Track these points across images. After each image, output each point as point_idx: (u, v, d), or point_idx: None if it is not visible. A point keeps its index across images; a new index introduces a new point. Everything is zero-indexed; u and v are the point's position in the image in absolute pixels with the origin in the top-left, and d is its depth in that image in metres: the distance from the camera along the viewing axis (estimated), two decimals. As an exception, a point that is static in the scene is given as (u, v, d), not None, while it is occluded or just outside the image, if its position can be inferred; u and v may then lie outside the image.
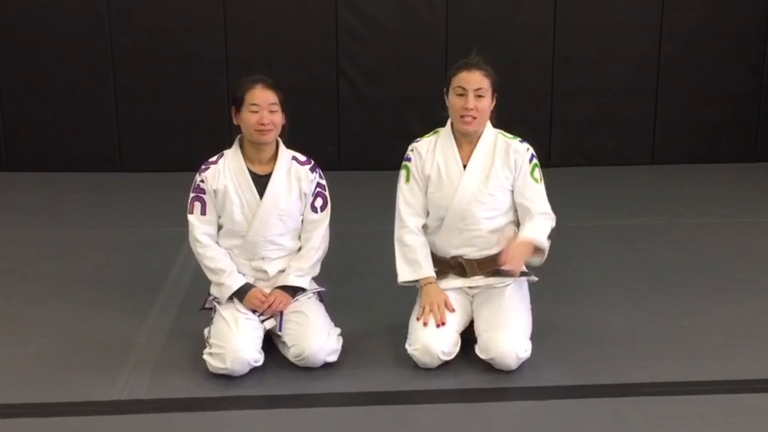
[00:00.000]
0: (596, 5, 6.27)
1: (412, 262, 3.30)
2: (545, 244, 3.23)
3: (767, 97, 6.49)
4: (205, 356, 3.15)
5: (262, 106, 3.16)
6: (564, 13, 6.24)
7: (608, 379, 3.15)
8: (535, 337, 3.24)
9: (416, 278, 3.30)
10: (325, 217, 3.35)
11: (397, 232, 3.35)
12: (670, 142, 6.55)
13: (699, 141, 6.57)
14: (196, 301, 3.54)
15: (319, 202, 3.32)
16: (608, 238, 4.83)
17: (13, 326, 3.62)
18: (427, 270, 3.30)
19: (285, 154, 3.29)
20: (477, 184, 3.25)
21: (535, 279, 3.33)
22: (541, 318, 3.37)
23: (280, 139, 3.29)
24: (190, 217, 3.28)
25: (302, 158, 3.33)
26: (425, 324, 3.17)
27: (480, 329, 3.20)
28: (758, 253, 4.56)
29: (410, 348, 3.19)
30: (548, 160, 5.99)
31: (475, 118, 3.19)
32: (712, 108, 6.50)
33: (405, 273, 3.32)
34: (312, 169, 3.31)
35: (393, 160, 5.81)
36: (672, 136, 6.54)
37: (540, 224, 3.23)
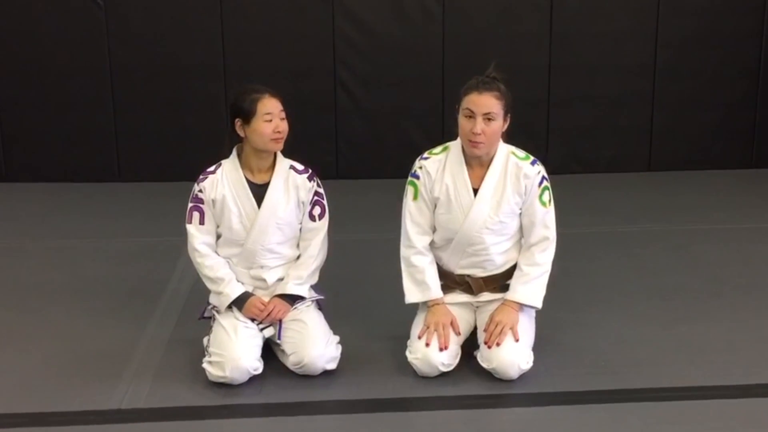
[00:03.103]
0: (592, 13, 6.28)
1: (419, 283, 3.27)
2: (535, 302, 3.23)
3: (763, 103, 6.51)
4: (204, 365, 3.16)
5: (275, 115, 3.18)
6: (560, 22, 6.26)
7: (606, 384, 3.16)
8: (533, 345, 3.24)
9: (425, 300, 3.28)
10: (323, 225, 3.36)
11: (404, 252, 3.30)
12: (667, 149, 6.57)
13: (695, 147, 6.58)
14: (195, 310, 3.54)
15: (317, 210, 3.34)
16: (605, 244, 4.84)
17: (13, 336, 3.63)
18: (436, 292, 3.26)
19: (283, 163, 3.31)
20: (488, 212, 3.18)
21: (539, 308, 3.31)
22: (539, 325, 3.38)
23: (277, 148, 3.31)
24: (188, 226, 3.29)
25: (300, 167, 3.34)
26: (427, 345, 3.14)
27: (483, 339, 3.20)
28: (755, 258, 4.58)
29: (410, 356, 3.19)
30: (545, 167, 6.01)
31: (482, 142, 3.08)
32: (709, 114, 6.51)
33: (413, 294, 3.29)
34: (310, 178, 3.32)
35: (391, 168, 5.88)
36: (668, 143, 6.56)
37: (532, 276, 3.21)
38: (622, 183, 6.29)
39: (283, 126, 3.20)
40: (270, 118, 3.17)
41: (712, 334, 3.59)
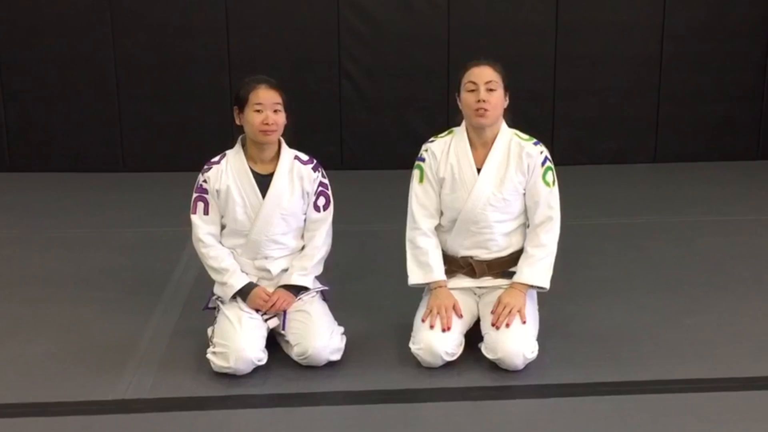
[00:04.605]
0: (598, 4, 6.27)
1: (423, 265, 3.29)
2: (542, 282, 3.25)
3: (770, 95, 6.50)
4: (208, 355, 3.15)
5: (267, 106, 3.17)
6: (566, 12, 6.25)
7: (612, 377, 3.15)
8: (538, 336, 3.24)
9: (427, 282, 3.29)
10: (327, 216, 3.36)
11: (409, 233, 3.33)
12: (673, 141, 6.55)
13: (701, 139, 6.57)
14: (200, 301, 3.54)
15: (321, 201, 3.33)
16: (611, 236, 4.83)
17: (18, 326, 3.63)
18: (439, 274, 3.29)
19: (287, 153, 3.30)
20: (491, 189, 3.22)
21: (546, 289, 3.32)
22: (544, 316, 3.37)
23: (282, 139, 3.29)
24: (193, 217, 3.28)
25: (304, 157, 3.33)
26: (431, 327, 3.16)
27: (487, 328, 3.20)
28: (761, 250, 4.56)
29: (414, 347, 3.19)
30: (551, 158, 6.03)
31: (488, 110, 3.15)
32: (715, 106, 6.49)
33: (416, 275, 3.31)
34: (314, 169, 3.31)
35: (395, 159, 5.88)
36: (674, 135, 6.54)
37: (537, 257, 3.23)
38: (627, 175, 6.28)
39: (275, 119, 3.17)
40: (260, 108, 3.16)
41: (717, 327, 3.58)
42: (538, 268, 3.25)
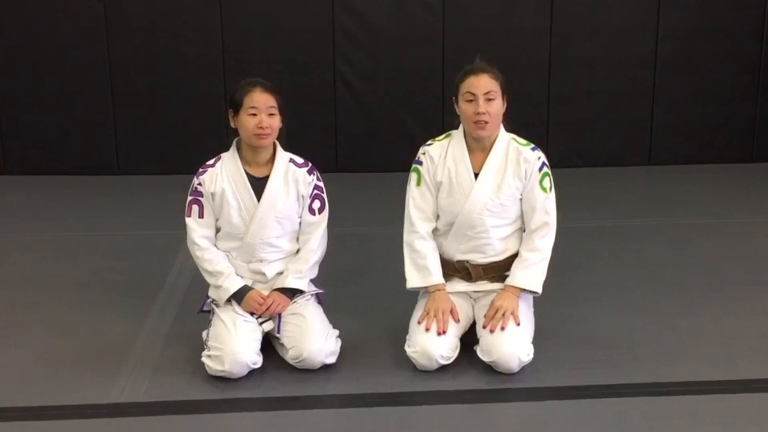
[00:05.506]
0: (592, 7, 6.27)
1: (421, 269, 3.28)
2: (534, 287, 3.25)
3: (764, 97, 6.50)
4: (203, 359, 3.15)
5: (261, 110, 3.16)
6: (560, 15, 6.25)
7: (607, 379, 3.15)
8: (533, 338, 3.24)
9: (426, 285, 3.29)
10: (322, 219, 3.35)
11: (407, 237, 3.32)
12: (667, 143, 6.56)
13: (696, 142, 6.58)
14: (195, 304, 3.54)
15: (316, 204, 3.32)
16: (606, 239, 4.84)
17: (11, 329, 3.62)
18: (437, 277, 3.28)
19: (282, 156, 3.29)
20: (488, 194, 3.21)
21: (539, 293, 3.31)
22: (539, 319, 3.37)
23: (277, 142, 3.29)
24: (187, 220, 3.28)
25: (300, 160, 3.33)
26: (427, 329, 3.16)
27: (482, 331, 3.19)
28: (755, 253, 4.57)
29: (409, 350, 3.19)
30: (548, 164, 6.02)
31: (487, 122, 3.14)
32: (709, 109, 6.50)
33: (414, 279, 3.30)
34: (309, 172, 3.31)
35: (390, 162, 5.88)
36: (669, 137, 6.55)
37: (531, 261, 3.23)
38: (622, 177, 6.28)
39: (269, 122, 3.17)
40: (255, 112, 3.16)
41: (712, 329, 3.59)
42: (531, 272, 3.25)
